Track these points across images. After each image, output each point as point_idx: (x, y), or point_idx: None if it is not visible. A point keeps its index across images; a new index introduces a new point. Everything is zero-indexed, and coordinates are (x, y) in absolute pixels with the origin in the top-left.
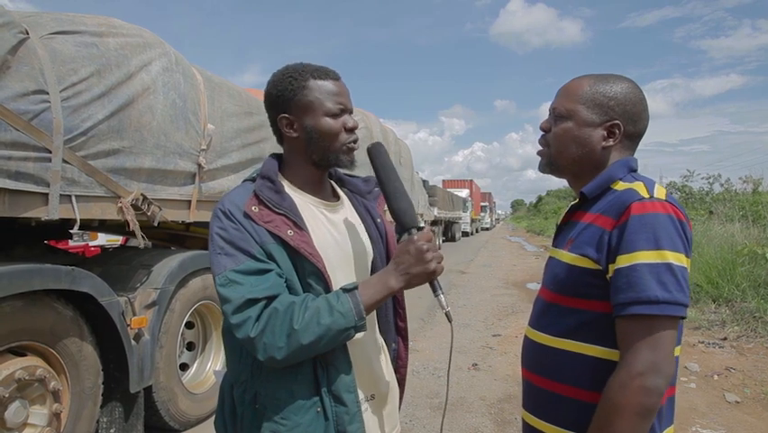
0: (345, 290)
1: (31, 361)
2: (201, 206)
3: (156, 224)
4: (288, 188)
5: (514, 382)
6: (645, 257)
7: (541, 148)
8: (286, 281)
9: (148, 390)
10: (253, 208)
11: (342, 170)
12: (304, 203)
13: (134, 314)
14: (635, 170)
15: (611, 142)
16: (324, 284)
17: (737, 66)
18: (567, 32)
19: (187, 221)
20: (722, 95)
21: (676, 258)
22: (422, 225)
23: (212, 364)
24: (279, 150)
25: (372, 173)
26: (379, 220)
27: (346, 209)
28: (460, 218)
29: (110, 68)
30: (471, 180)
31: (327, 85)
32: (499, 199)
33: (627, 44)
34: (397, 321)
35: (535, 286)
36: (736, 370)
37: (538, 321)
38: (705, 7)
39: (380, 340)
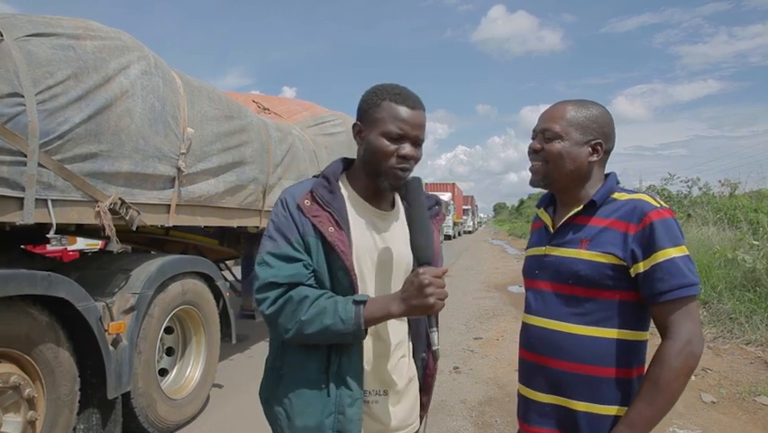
0: (356, 301)
1: (5, 368)
2: (181, 210)
3: (135, 228)
4: (345, 190)
5: (494, 384)
6: (675, 252)
7: (534, 165)
8: (315, 272)
9: (126, 396)
10: (305, 202)
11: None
12: (356, 206)
13: (112, 319)
14: (619, 183)
15: (595, 158)
16: (349, 279)
17: (714, 72)
18: (548, 40)
19: (167, 225)
20: (699, 100)
21: (686, 249)
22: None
23: (191, 370)
24: (259, 154)
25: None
26: None
27: (397, 219)
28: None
29: (87, 71)
30: (454, 184)
31: (399, 109)
32: (482, 203)
33: (608, 50)
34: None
35: (518, 289)
36: (713, 370)
37: (555, 312)
38: (683, 14)
39: (410, 345)
